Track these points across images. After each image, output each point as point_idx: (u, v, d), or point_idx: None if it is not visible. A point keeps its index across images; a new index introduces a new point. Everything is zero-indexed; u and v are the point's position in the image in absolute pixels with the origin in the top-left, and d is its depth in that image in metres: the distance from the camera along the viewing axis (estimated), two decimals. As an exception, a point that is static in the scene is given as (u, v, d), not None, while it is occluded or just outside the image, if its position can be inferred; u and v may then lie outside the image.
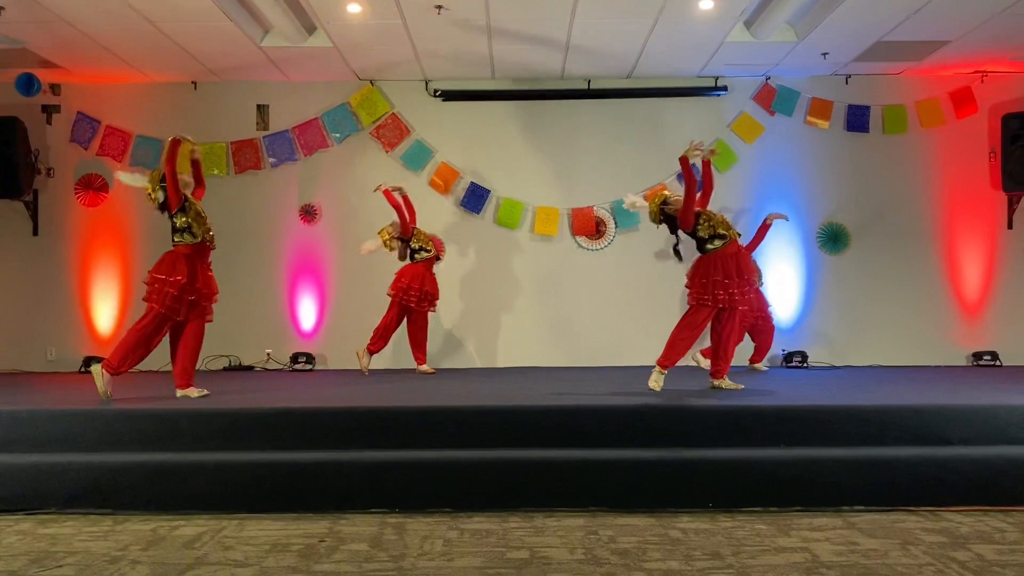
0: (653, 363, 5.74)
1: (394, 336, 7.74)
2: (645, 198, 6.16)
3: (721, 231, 5.79)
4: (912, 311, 8.56)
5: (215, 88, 8.69)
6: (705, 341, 6.84)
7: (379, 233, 7.69)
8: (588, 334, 8.62)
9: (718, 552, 3.50)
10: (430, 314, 7.81)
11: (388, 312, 7.56)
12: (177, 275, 5.48)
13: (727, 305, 5.72)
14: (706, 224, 5.80)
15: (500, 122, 8.75)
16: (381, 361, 8.30)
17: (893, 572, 3.22)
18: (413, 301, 7.48)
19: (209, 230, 5.66)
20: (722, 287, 5.68)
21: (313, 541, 3.73)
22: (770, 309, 7.93)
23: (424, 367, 7.74)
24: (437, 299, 7.72)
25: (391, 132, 8.72)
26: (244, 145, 8.68)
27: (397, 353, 8.09)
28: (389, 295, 7.54)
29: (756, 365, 7.96)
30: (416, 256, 7.62)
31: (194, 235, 5.57)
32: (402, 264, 7.67)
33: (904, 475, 4.27)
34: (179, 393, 5.58)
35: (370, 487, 4.29)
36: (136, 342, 5.46)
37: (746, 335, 7.76)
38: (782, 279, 8.54)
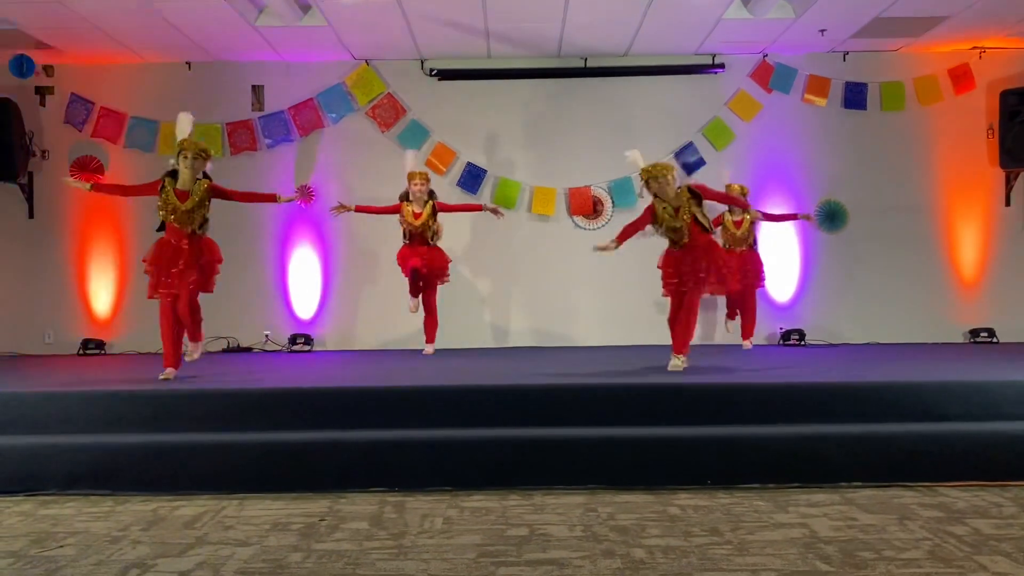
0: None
1: (396, 317, 7.82)
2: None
3: (670, 235, 5.95)
4: (909, 289, 8.56)
5: (209, 68, 8.63)
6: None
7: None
8: (585, 314, 8.61)
9: (717, 528, 3.52)
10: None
11: None
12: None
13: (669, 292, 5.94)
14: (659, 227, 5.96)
15: (496, 101, 8.69)
16: (381, 341, 8.35)
17: (891, 547, 3.23)
18: (406, 272, 7.42)
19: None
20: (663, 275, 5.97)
21: (313, 520, 3.74)
22: (763, 278, 7.94)
23: (425, 347, 7.65)
24: (436, 273, 7.53)
25: (387, 112, 8.67)
26: (239, 126, 8.64)
27: (399, 332, 8.08)
28: None
29: (743, 342, 7.95)
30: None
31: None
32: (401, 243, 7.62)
33: (901, 451, 4.29)
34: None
35: (370, 466, 4.30)
36: None
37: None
38: (780, 257, 8.52)
